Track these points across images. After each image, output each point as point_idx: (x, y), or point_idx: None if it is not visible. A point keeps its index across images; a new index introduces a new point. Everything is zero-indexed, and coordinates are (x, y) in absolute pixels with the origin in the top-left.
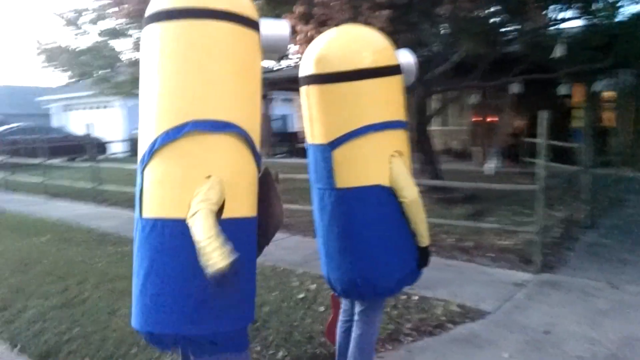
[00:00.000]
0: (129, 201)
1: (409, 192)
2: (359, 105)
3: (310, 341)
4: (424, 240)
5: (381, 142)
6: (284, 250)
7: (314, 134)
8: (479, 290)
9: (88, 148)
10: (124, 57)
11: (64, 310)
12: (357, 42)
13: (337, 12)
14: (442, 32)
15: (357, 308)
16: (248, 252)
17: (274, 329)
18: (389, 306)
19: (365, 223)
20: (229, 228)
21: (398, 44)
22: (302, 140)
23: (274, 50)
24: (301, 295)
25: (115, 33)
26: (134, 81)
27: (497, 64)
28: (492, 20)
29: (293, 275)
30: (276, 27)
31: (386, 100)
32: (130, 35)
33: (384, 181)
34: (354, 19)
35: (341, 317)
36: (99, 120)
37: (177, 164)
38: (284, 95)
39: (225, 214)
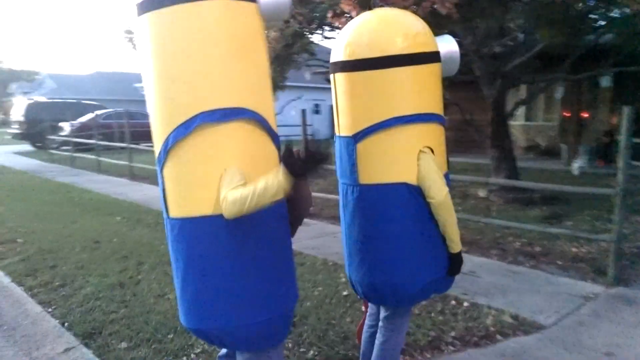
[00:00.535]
0: None
1: (437, 192)
2: (388, 95)
3: (344, 342)
4: (455, 245)
5: (410, 136)
6: (339, 243)
7: (340, 125)
8: (540, 300)
9: None
10: None
11: (117, 290)
12: (389, 27)
13: None
14: (516, 19)
15: (382, 313)
16: (279, 238)
17: (310, 326)
18: (434, 311)
19: (388, 223)
20: (257, 214)
21: (469, 32)
22: None
23: (276, 18)
24: (345, 293)
25: None
26: None
27: (587, 55)
28: (575, 6)
29: (342, 270)
30: None
31: (419, 90)
32: None
33: (411, 179)
34: (417, 4)
35: (367, 321)
36: None
37: (194, 161)
38: None
39: None
